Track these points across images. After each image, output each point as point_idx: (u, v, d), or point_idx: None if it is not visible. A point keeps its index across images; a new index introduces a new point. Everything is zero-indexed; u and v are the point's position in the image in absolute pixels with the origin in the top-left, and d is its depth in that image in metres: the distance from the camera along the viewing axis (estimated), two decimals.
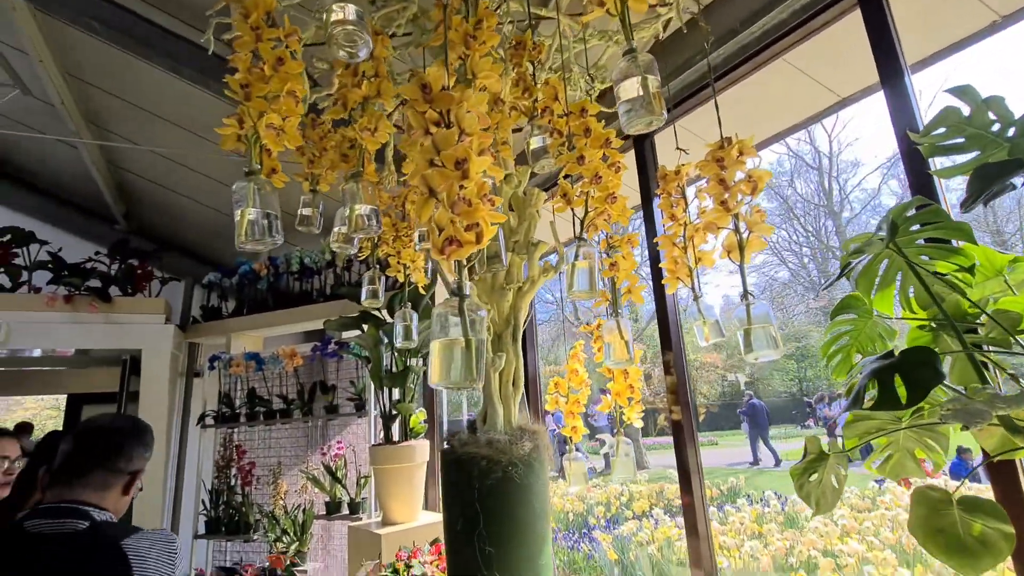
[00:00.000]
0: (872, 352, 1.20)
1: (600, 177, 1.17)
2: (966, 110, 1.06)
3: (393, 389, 2.63)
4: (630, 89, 0.91)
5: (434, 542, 1.78)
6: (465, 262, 0.76)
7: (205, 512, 3.32)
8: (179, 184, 3.61)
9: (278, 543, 2.96)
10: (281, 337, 4.16)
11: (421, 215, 0.79)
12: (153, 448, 1.06)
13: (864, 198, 15.08)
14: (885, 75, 1.42)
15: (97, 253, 3.41)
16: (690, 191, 1.49)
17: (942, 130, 1.11)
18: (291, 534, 2.96)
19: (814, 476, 1.05)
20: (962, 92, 1.06)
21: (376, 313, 2.80)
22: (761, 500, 4.46)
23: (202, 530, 3.33)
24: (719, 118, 1.23)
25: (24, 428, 3.18)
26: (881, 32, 1.44)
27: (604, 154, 1.20)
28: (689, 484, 1.78)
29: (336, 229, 1.47)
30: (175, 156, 3.23)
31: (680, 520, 3.80)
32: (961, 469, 4.54)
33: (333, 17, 0.91)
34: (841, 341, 1.22)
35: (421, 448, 2.50)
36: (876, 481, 4.67)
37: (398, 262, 1.82)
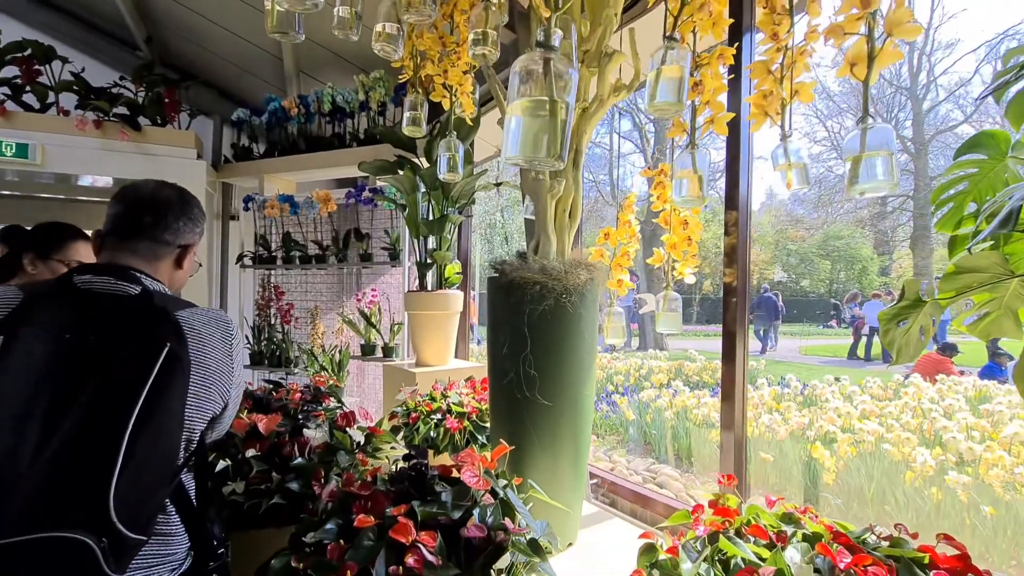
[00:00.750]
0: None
1: None
2: None
3: (429, 238, 2.57)
4: None
5: (468, 379, 1.81)
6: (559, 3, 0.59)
7: (249, 346, 3.52)
8: (205, 6, 3.30)
9: (317, 377, 3.16)
10: (314, 183, 4.08)
11: None
12: (204, 225, 1.01)
13: (950, 86, 13.33)
14: None
15: (122, 78, 3.24)
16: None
17: None
18: (329, 370, 3.14)
19: (903, 323, 0.95)
20: None
21: (413, 158, 2.65)
22: (780, 383, 4.55)
23: (247, 361, 3.57)
24: None
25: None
26: None
27: None
28: (733, 349, 1.72)
29: (379, 27, 1.27)
30: None
31: (700, 392, 3.92)
32: (996, 371, 4.53)
33: None
34: (958, 186, 1.04)
35: (455, 297, 2.50)
36: (903, 376, 4.68)
37: (443, 84, 1.63)
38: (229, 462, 1.04)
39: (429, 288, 2.56)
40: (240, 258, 3.48)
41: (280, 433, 1.15)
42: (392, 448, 1.22)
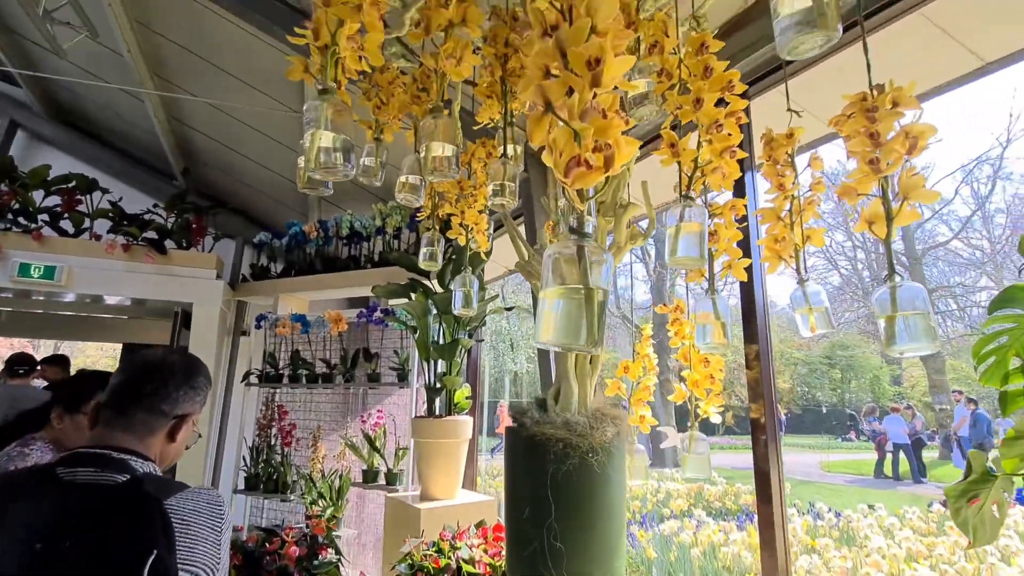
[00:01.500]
0: None
1: (721, 126, 0.99)
2: None
3: (439, 361, 2.53)
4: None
5: (479, 524, 1.66)
6: (589, 193, 0.60)
7: (245, 468, 3.34)
8: (237, 142, 3.60)
9: (314, 506, 2.94)
10: (326, 302, 4.14)
11: (534, 136, 0.64)
12: (207, 392, 0.96)
13: (933, 205, 14.09)
14: None
15: (156, 206, 3.44)
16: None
17: None
18: (327, 498, 2.94)
19: (976, 501, 0.86)
20: None
21: (426, 282, 2.70)
22: (809, 511, 4.20)
23: (241, 485, 3.36)
24: (868, 61, 1.02)
25: (58, 360, 3.24)
26: None
27: (723, 98, 1.02)
28: (768, 492, 1.59)
29: (402, 178, 1.34)
30: (232, 110, 3.19)
31: (725, 524, 3.60)
32: None
33: None
34: (998, 340, 1.01)
35: (465, 424, 2.40)
36: (941, 503, 4.32)
37: (460, 224, 1.68)
38: None
39: (438, 413, 2.47)
40: (246, 376, 3.43)
41: None
42: None
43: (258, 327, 3.41)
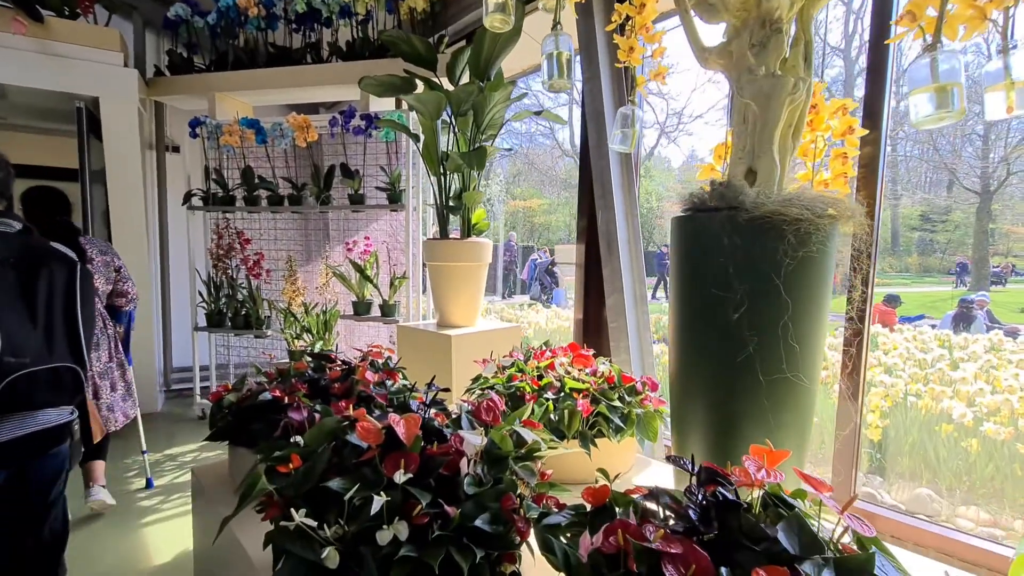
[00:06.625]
0: None
1: None
2: None
3: (452, 175, 2.15)
4: None
5: (564, 347, 1.50)
6: None
7: (204, 304, 2.93)
8: None
9: (297, 340, 2.68)
10: (269, 108, 3.41)
11: None
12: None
13: None
14: None
15: None
16: None
17: None
18: (314, 332, 2.67)
19: None
20: None
21: (430, 76, 2.17)
22: None
23: (202, 322, 2.98)
24: None
25: None
26: None
27: None
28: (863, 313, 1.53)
29: None
30: None
31: None
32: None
33: None
34: None
35: (486, 246, 2.13)
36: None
37: None
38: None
39: (453, 236, 2.16)
40: (188, 198, 2.82)
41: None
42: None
43: (194, 136, 2.73)
